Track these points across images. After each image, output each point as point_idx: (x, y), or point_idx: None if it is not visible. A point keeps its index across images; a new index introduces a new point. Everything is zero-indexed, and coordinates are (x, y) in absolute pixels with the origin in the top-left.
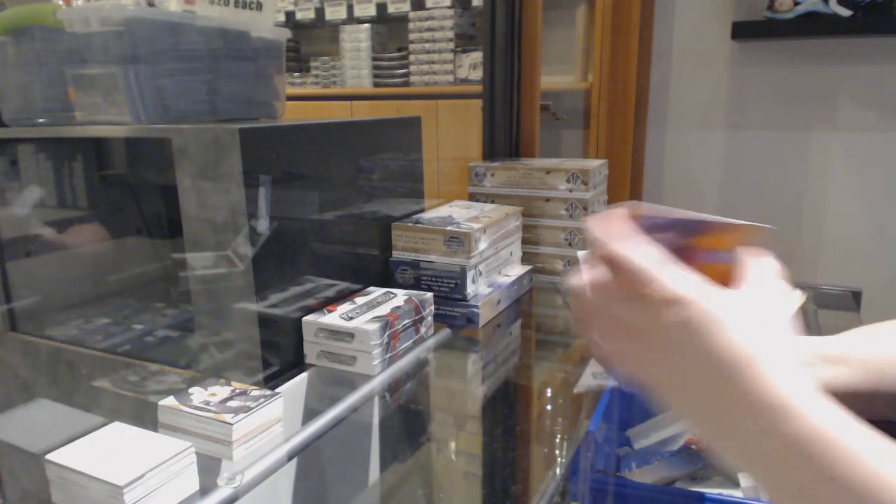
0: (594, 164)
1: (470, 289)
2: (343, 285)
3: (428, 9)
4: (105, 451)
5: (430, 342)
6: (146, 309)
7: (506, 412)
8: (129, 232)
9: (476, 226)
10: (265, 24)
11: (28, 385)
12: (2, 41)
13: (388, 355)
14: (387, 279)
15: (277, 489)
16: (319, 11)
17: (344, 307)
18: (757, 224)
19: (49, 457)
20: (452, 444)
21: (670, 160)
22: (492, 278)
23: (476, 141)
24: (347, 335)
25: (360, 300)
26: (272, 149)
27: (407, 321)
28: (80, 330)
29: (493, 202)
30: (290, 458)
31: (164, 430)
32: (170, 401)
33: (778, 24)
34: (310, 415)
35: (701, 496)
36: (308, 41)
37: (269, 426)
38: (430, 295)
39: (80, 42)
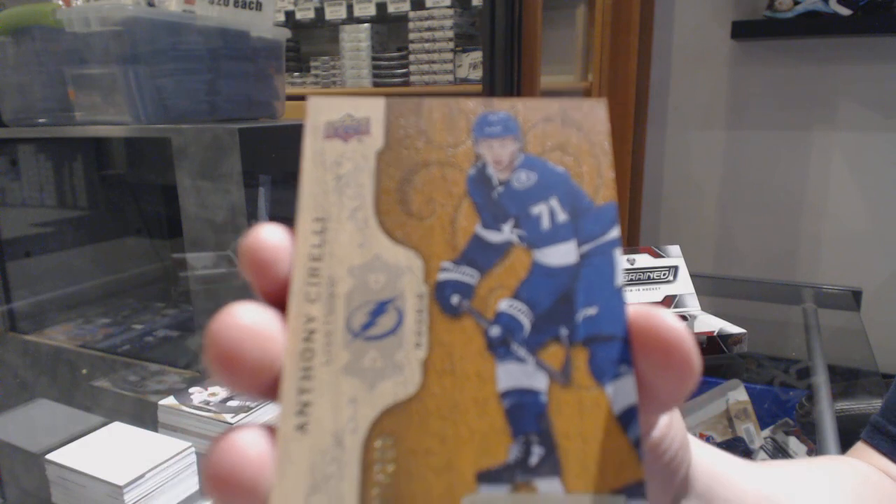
0: None
1: None
2: None
3: (428, 8)
4: (105, 451)
5: None
6: (146, 309)
7: None
8: (129, 232)
9: None
10: (265, 24)
11: (28, 385)
12: (2, 41)
13: None
14: None
15: None
16: (319, 11)
17: None
18: None
19: (49, 457)
20: None
21: (670, 160)
22: None
23: None
24: None
25: None
26: (272, 149)
27: None
28: (80, 330)
29: None
30: None
31: (164, 430)
32: (170, 401)
33: (778, 23)
34: None
35: None
36: (308, 41)
37: None
38: None
39: (79, 42)
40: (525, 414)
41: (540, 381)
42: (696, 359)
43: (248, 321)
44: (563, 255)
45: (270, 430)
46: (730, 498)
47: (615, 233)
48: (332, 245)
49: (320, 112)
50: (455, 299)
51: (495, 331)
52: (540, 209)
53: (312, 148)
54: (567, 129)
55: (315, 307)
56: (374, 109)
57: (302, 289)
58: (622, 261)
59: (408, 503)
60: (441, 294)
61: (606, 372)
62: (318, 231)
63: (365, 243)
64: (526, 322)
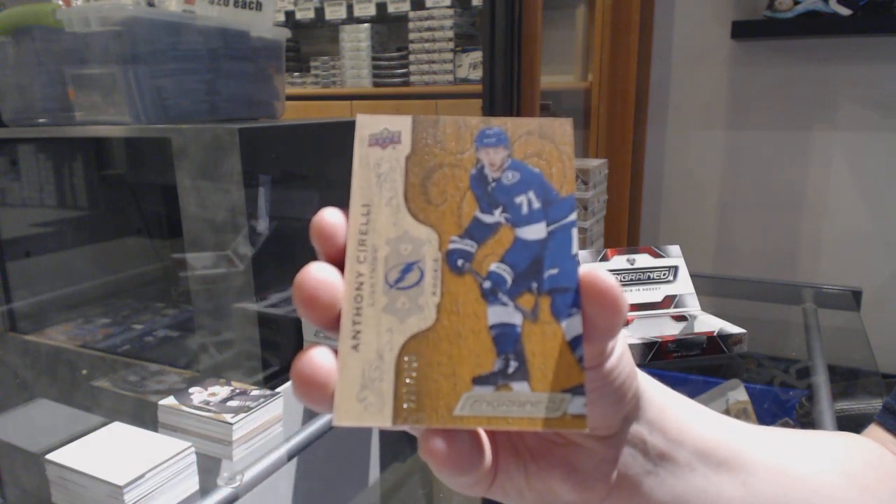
0: (594, 163)
1: None
2: None
3: (428, 8)
4: (105, 451)
5: None
6: (146, 309)
7: None
8: (129, 232)
9: None
10: (265, 24)
11: (28, 385)
12: (2, 41)
13: None
14: None
15: (277, 489)
16: (319, 11)
17: None
18: None
19: (49, 457)
20: None
21: (670, 160)
22: None
23: None
24: None
25: None
26: (272, 149)
27: None
28: (80, 330)
29: None
30: (290, 458)
31: (164, 430)
32: (170, 401)
33: (778, 23)
34: (310, 415)
35: None
36: (308, 41)
37: (269, 426)
38: None
39: (79, 42)
40: (506, 340)
41: (517, 318)
42: (622, 301)
43: (320, 276)
44: (536, 232)
45: (333, 350)
46: (681, 430)
47: (573, 217)
48: (374, 223)
49: (365, 126)
50: (460, 262)
51: (487, 284)
52: (521, 199)
53: (360, 153)
54: (542, 141)
55: (363, 266)
56: (404, 125)
57: (354, 254)
58: (577, 236)
59: (426, 397)
60: (450, 258)
61: (562, 312)
62: (364, 213)
63: (397, 222)
64: (508, 278)
